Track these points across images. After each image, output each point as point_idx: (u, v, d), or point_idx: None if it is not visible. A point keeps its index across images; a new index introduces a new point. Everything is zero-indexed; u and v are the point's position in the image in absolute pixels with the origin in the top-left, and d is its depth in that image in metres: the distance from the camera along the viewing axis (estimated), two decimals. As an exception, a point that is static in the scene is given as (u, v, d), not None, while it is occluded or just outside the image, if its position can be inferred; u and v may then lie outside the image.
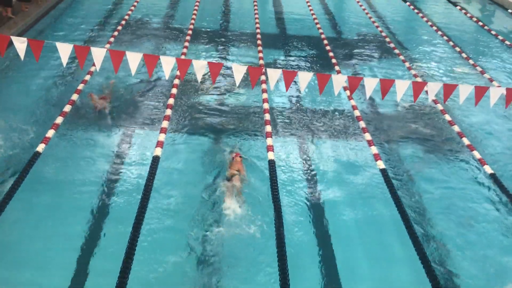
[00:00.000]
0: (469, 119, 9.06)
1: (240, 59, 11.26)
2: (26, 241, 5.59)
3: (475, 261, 5.87)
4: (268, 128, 7.90)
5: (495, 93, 6.62)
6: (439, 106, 9.24)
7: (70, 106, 7.99)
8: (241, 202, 6.32)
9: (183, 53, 10.84)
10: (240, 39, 12.45)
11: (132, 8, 13.69)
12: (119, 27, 12.05)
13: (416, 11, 15.96)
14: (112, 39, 11.18)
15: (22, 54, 6.07)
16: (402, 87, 6.51)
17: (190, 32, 12.21)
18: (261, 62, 10.83)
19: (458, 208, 6.76)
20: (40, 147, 6.76)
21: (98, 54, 6.12)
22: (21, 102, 8.39)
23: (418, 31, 14.59)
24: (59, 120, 7.50)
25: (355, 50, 12.29)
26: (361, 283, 5.53)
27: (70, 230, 5.77)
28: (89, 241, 5.66)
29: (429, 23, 14.71)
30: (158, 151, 7.00)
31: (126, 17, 12.90)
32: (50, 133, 7.12)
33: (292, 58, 11.64)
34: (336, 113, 9.04)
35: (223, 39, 12.42)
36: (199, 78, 6.43)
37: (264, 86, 9.31)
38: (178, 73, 9.12)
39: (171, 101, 8.55)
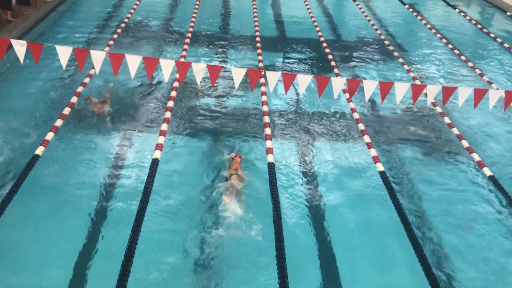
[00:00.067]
0: (468, 122, 9.08)
1: (240, 61, 11.28)
2: (26, 243, 5.58)
3: (474, 263, 5.86)
4: (268, 131, 7.91)
5: (494, 96, 6.62)
6: (438, 109, 9.25)
7: (70, 108, 8.00)
8: (241, 202, 6.33)
9: (182, 56, 10.85)
10: (240, 42, 12.47)
11: (132, 11, 13.72)
12: (119, 30, 12.07)
13: (415, 13, 15.99)
14: (111, 42, 11.19)
15: (21, 57, 6.07)
16: (401, 90, 6.52)
17: (189, 35, 12.23)
18: (261, 64, 10.84)
19: (457, 210, 6.75)
20: (40, 150, 6.76)
21: (98, 57, 6.12)
22: (21, 104, 8.39)
23: (417, 34, 14.62)
24: (58, 122, 7.50)
25: (354, 53, 12.31)
26: (361, 285, 5.53)
27: (70, 232, 5.77)
28: (88, 243, 5.66)
29: (428, 25, 14.74)
30: (157, 154, 7.01)
31: (126, 20, 12.93)
32: (50, 136, 7.13)
33: (291, 61, 11.66)
34: (335, 115, 9.05)
35: (222, 42, 12.44)
36: (198, 81, 6.44)
37: (263, 88, 9.32)
38: (177, 76, 9.14)
39: (170, 103, 8.56)
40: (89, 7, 14.34)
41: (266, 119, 8.30)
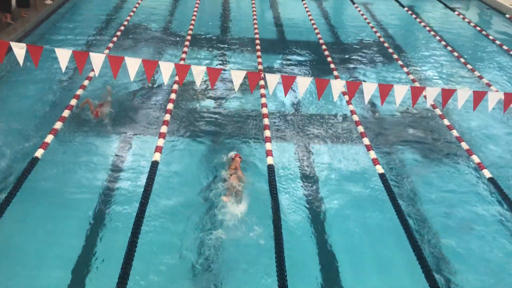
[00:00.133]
0: (467, 124, 9.08)
1: (239, 64, 11.29)
2: (26, 244, 5.59)
3: (474, 265, 5.86)
4: (267, 133, 7.91)
5: (493, 98, 6.62)
6: (438, 111, 9.26)
7: (69, 111, 8.00)
8: (241, 202, 6.33)
9: (182, 59, 10.86)
10: (239, 44, 12.48)
11: (131, 13, 13.74)
12: (118, 33, 12.08)
13: (414, 16, 16.02)
14: (111, 45, 11.20)
15: (21, 60, 6.07)
16: (400, 92, 6.52)
17: (189, 37, 12.24)
18: (260, 67, 10.85)
19: (457, 212, 6.76)
20: (39, 152, 6.76)
21: (97, 59, 6.12)
22: (20, 107, 8.40)
23: (416, 36, 14.65)
24: (58, 125, 7.51)
25: (353, 55, 12.32)
26: (361, 286, 5.53)
27: (70, 233, 5.78)
28: (88, 244, 5.66)
29: (427, 28, 14.76)
30: (157, 156, 7.01)
31: (125, 22, 12.94)
32: (49, 138, 7.13)
33: (291, 63, 11.67)
34: (335, 118, 9.05)
35: (222, 44, 12.45)
36: (198, 83, 6.44)
37: (263, 91, 9.33)
38: (177, 78, 9.13)
39: (170, 106, 8.57)
40: (89, 10, 14.36)
41: (266, 121, 8.31)
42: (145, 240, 5.60)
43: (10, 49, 6.10)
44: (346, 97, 9.22)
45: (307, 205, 6.62)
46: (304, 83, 6.53)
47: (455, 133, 8.53)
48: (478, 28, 14.97)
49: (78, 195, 6.42)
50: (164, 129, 7.78)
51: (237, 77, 6.39)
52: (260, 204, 6.42)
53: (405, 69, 11.35)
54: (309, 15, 15.05)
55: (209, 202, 6.44)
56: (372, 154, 7.59)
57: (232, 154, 7.31)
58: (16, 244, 5.59)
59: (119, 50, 11.12)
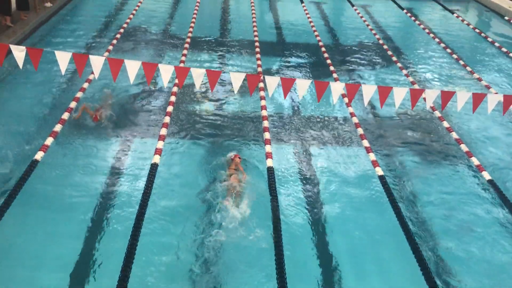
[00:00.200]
0: (467, 126, 9.09)
1: (239, 66, 11.30)
2: (26, 245, 5.60)
3: (474, 267, 5.86)
4: (267, 135, 7.92)
5: (493, 100, 6.64)
6: (437, 113, 9.27)
7: (69, 114, 8.01)
8: (240, 203, 6.33)
9: (181, 61, 10.87)
10: (239, 47, 12.49)
11: (131, 16, 13.75)
12: (118, 35, 12.09)
13: (413, 18, 16.05)
14: (110, 47, 11.21)
15: (20, 62, 6.08)
16: (400, 94, 6.53)
17: (188, 40, 12.25)
18: (259, 69, 10.86)
19: (456, 214, 6.76)
20: (39, 155, 6.76)
21: (97, 62, 6.13)
22: (20, 110, 8.39)
23: (415, 38, 14.67)
24: (57, 128, 7.51)
25: (353, 58, 12.33)
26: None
27: (70, 235, 5.78)
28: (88, 246, 5.66)
29: (427, 30, 14.79)
30: (156, 158, 7.01)
31: (125, 25, 12.95)
32: (49, 140, 7.13)
33: (290, 66, 11.68)
34: (334, 120, 9.06)
35: (221, 47, 12.46)
36: (197, 85, 6.46)
37: (262, 93, 9.34)
38: (176, 81, 9.14)
39: (169, 108, 8.57)
40: (88, 13, 14.37)
41: (265, 123, 8.31)
42: (145, 241, 5.59)
43: (9, 51, 6.11)
44: (346, 99, 9.24)
45: (307, 207, 6.62)
46: (303, 85, 6.54)
47: (454, 135, 8.54)
48: (477, 30, 15.00)
49: (78, 197, 6.42)
50: (163, 131, 7.78)
51: (237, 79, 6.39)
52: (260, 205, 6.42)
53: (404, 71, 11.36)
54: (308, 18, 15.07)
55: (209, 204, 6.44)
56: (372, 156, 7.60)
57: (231, 154, 7.32)
58: (16, 246, 5.59)
59: (119, 52, 11.13)
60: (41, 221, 5.97)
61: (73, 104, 8.31)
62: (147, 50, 11.76)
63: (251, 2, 16.34)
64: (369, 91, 6.53)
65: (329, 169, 7.53)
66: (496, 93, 9.75)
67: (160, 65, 6.31)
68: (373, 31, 14.22)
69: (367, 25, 14.78)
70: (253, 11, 15.31)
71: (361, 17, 15.65)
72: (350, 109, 9.12)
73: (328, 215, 6.53)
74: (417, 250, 5.69)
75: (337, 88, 6.61)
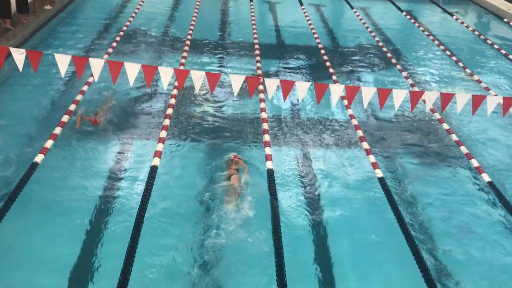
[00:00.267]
0: (466, 128, 9.10)
1: (238, 69, 11.31)
2: (26, 246, 5.60)
3: (474, 269, 5.86)
4: (267, 137, 7.92)
5: (492, 102, 6.64)
6: (437, 115, 9.28)
7: (68, 116, 8.01)
8: (241, 204, 6.34)
9: (181, 64, 10.88)
10: (238, 49, 12.51)
11: (131, 19, 13.77)
12: (118, 38, 12.10)
13: (412, 20, 16.08)
14: (110, 50, 11.22)
15: (20, 65, 6.08)
16: (399, 96, 6.54)
17: (188, 42, 12.27)
18: (259, 72, 10.88)
19: (456, 215, 6.76)
20: (39, 158, 6.76)
21: (96, 65, 6.13)
22: (20, 112, 8.38)
23: (415, 41, 14.69)
24: (57, 130, 7.51)
25: (352, 60, 12.35)
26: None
27: (69, 237, 5.77)
28: (88, 247, 5.66)
29: (426, 32, 14.82)
30: (156, 161, 7.01)
31: (125, 27, 12.97)
32: (49, 143, 7.13)
33: (290, 68, 11.69)
34: (334, 122, 9.06)
35: (221, 49, 12.47)
36: (197, 88, 6.46)
37: (262, 95, 9.35)
38: (176, 83, 9.14)
39: (169, 111, 8.57)
40: (88, 15, 14.38)
41: (265, 125, 8.32)
42: (145, 243, 5.59)
43: (9, 54, 6.12)
44: (345, 102, 9.24)
45: (307, 208, 6.62)
46: (303, 87, 6.54)
47: (454, 137, 8.55)
48: (476, 32, 15.03)
49: (77, 199, 6.42)
50: (163, 134, 7.79)
51: (236, 81, 6.40)
52: (260, 206, 6.41)
53: (404, 73, 11.37)
54: (307, 20, 15.09)
55: (209, 205, 6.44)
56: (372, 158, 7.60)
57: (230, 155, 7.33)
58: (16, 247, 5.58)
59: (119, 55, 11.13)
60: (41, 223, 5.97)
61: (72, 107, 8.31)
62: (147, 53, 11.77)
63: (251, 5, 16.37)
64: (368, 93, 6.54)
65: (329, 171, 7.53)
66: (496, 95, 9.76)
67: (160, 68, 6.31)
68: (373, 33, 14.24)
69: (367, 28, 14.80)
70: (253, 14, 15.33)
71: (361, 19, 15.67)
72: (350, 111, 9.12)
73: (328, 216, 6.53)
74: (417, 252, 5.69)
75: (336, 90, 6.62)
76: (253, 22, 14.46)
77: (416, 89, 10.35)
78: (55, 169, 6.91)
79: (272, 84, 6.49)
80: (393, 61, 12.16)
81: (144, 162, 7.29)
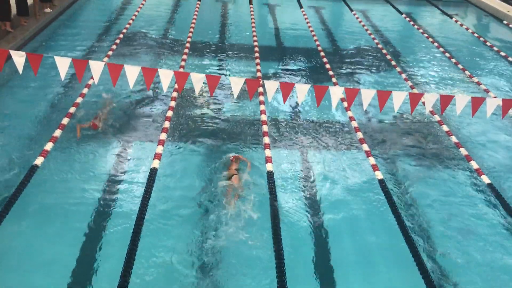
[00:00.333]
0: (466, 130, 9.11)
1: (238, 71, 11.32)
2: (26, 246, 5.62)
3: (474, 270, 5.86)
4: (266, 140, 7.93)
5: (492, 104, 6.65)
6: (436, 117, 9.29)
7: (68, 119, 8.02)
8: (241, 204, 6.35)
9: (181, 66, 10.89)
10: (238, 52, 12.52)
11: (131, 21, 13.79)
12: (117, 40, 12.12)
13: (412, 22, 16.10)
14: (110, 52, 11.24)
15: (20, 68, 6.09)
16: (399, 98, 6.55)
17: (188, 45, 12.28)
18: (259, 74, 10.89)
19: (456, 217, 6.76)
20: (39, 160, 6.77)
21: (96, 67, 6.15)
22: (20, 115, 8.40)
23: (414, 43, 14.72)
24: (57, 133, 7.51)
25: (352, 62, 12.37)
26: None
27: (68, 239, 5.77)
28: (86, 251, 5.66)
29: (425, 34, 14.84)
30: (156, 163, 7.01)
31: (124, 30, 12.99)
32: (49, 146, 7.13)
33: (290, 70, 11.70)
34: (334, 124, 9.07)
35: (221, 52, 12.49)
36: (197, 90, 6.47)
37: (261, 98, 9.36)
38: (176, 86, 9.16)
39: (169, 113, 8.58)
40: (88, 18, 14.41)
41: (265, 128, 8.33)
42: (145, 245, 5.59)
43: (9, 57, 6.12)
44: (345, 104, 9.25)
45: (307, 210, 6.63)
46: (303, 90, 6.56)
47: (453, 138, 8.56)
48: (476, 35, 15.05)
49: (77, 202, 6.42)
50: (163, 136, 7.79)
51: (236, 84, 6.41)
52: (261, 207, 6.42)
53: (403, 76, 11.39)
54: (307, 22, 15.11)
55: (209, 207, 6.45)
56: (372, 160, 7.60)
57: (230, 156, 7.34)
58: (15, 250, 5.59)
59: (119, 57, 11.15)
60: (41, 225, 5.98)
61: (72, 109, 8.32)
62: (147, 55, 11.79)
63: (251, 7, 16.40)
64: (368, 95, 6.55)
65: (329, 173, 7.53)
66: (495, 97, 9.77)
67: (159, 70, 6.32)
68: (372, 36, 14.26)
69: (366, 30, 14.83)
70: (252, 16, 15.35)
71: (360, 21, 15.70)
72: (350, 113, 9.13)
73: (328, 218, 6.53)
74: (416, 253, 5.70)
75: (336, 92, 6.62)
76: (253, 24, 14.48)
77: (415, 91, 10.36)
78: (55, 172, 6.92)
79: (272, 86, 6.50)
80: (393, 63, 12.18)
81: (144, 164, 7.30)
